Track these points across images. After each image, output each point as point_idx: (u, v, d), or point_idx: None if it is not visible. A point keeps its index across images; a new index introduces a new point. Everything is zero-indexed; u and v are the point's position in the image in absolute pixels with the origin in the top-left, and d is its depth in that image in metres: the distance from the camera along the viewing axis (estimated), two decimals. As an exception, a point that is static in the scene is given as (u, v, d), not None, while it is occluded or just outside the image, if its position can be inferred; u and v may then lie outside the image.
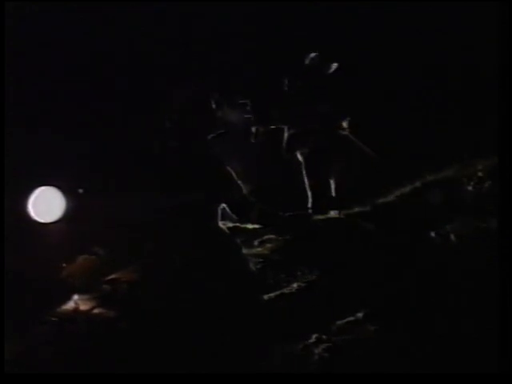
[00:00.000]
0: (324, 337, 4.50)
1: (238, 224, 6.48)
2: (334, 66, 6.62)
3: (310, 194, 6.63)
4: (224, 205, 6.07)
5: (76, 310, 5.20)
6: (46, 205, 5.80)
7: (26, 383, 4.55)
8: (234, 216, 6.19)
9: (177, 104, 6.62)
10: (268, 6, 8.46)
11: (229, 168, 6.13)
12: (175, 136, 6.32)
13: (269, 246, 6.10)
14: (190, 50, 8.43)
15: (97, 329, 4.92)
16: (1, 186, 5.65)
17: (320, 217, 6.38)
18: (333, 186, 6.50)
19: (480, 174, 5.88)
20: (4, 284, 5.20)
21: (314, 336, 4.52)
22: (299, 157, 6.60)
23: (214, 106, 6.27)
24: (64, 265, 5.66)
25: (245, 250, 5.90)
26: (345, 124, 6.61)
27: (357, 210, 6.23)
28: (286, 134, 6.43)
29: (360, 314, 4.68)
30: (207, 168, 5.93)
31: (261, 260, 5.76)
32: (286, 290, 5.19)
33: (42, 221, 5.77)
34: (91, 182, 5.99)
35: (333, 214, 6.49)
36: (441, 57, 8.08)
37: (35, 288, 5.39)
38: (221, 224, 5.32)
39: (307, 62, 6.67)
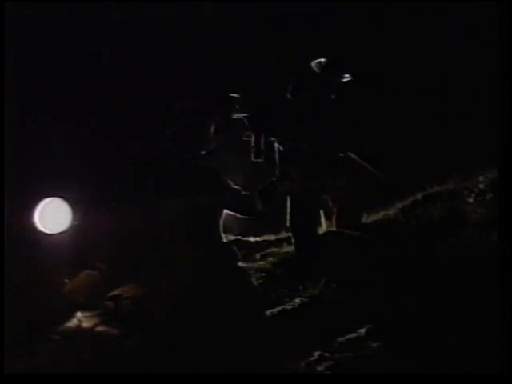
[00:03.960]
0: (327, 354, 4.48)
1: (239, 237, 6.47)
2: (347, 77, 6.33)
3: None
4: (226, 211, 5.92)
5: (79, 328, 5.20)
6: (52, 216, 5.76)
7: (26, 383, 4.60)
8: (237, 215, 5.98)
9: (178, 109, 6.57)
10: (268, 6, 8.44)
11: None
12: (177, 146, 6.24)
13: (271, 259, 6.10)
14: (189, 49, 8.42)
15: (100, 346, 4.93)
16: (1, 197, 5.64)
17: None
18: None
19: (481, 186, 5.88)
20: (3, 290, 5.21)
21: (317, 353, 4.51)
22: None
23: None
24: (66, 280, 5.65)
25: (247, 264, 5.91)
26: None
27: (358, 223, 6.23)
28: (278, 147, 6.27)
29: (362, 330, 4.68)
30: (210, 178, 5.84)
31: (263, 274, 5.77)
32: (288, 306, 5.19)
33: (48, 232, 5.74)
34: (97, 193, 5.96)
35: None
36: (441, 57, 8.07)
37: (38, 304, 5.38)
38: (224, 237, 5.26)
39: (314, 67, 6.39)
